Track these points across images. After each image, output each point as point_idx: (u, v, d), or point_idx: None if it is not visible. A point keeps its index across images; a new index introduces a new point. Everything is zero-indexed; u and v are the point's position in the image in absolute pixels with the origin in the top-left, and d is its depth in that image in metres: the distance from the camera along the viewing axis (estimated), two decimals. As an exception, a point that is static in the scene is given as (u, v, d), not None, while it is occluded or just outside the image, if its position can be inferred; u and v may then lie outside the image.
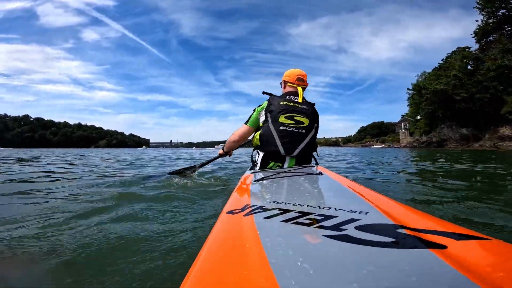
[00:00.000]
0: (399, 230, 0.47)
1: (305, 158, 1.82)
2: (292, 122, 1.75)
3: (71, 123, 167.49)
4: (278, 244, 0.46)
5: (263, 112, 1.88)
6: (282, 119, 1.75)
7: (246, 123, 2.09)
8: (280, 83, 2.10)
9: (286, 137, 1.73)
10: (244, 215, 0.66)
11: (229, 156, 2.72)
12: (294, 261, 0.39)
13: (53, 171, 4.82)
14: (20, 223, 1.54)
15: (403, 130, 50.67)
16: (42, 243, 1.25)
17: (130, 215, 1.68)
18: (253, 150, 2.03)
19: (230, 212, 0.72)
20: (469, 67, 32.79)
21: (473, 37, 35.83)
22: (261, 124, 1.92)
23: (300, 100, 1.83)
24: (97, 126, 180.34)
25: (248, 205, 0.76)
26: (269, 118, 1.79)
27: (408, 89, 44.08)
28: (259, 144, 1.86)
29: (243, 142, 2.35)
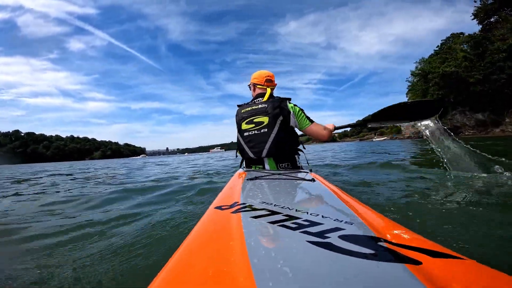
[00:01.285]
0: (380, 243, 0.48)
1: (283, 156, 1.78)
2: (252, 125, 1.79)
3: (64, 136, 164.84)
4: (262, 244, 0.47)
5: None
6: (243, 126, 1.83)
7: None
8: (249, 85, 2.12)
9: (251, 142, 1.78)
10: (232, 212, 0.67)
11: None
12: (275, 263, 0.40)
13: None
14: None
15: None
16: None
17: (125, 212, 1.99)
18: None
19: (219, 208, 0.73)
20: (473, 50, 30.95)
21: (472, 19, 34.01)
22: None
23: (265, 99, 1.86)
24: (91, 137, 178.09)
25: (237, 202, 0.78)
26: (236, 128, 1.92)
27: (410, 75, 40.91)
28: (239, 153, 1.96)
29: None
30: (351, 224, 0.58)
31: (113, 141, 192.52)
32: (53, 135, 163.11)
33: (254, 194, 0.95)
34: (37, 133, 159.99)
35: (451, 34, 36.25)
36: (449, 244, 1.16)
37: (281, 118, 1.74)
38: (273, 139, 1.72)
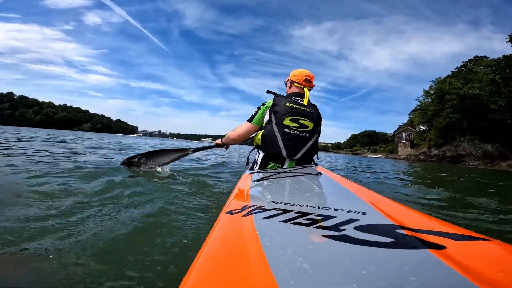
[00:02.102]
0: (398, 231, 0.47)
1: (305, 161, 1.81)
2: (297, 125, 1.75)
3: (60, 103, 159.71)
4: (278, 244, 0.46)
5: (268, 112, 1.86)
6: (287, 121, 1.75)
7: (250, 121, 2.01)
8: (285, 82, 2.07)
9: (290, 140, 1.73)
10: (243, 216, 0.67)
11: (226, 149, 2.60)
12: (294, 261, 0.39)
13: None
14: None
15: (403, 141, 45.54)
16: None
17: (128, 213, 1.62)
18: (253, 149, 2.04)
19: (230, 213, 0.73)
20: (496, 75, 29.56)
21: (507, 42, 31.95)
22: (264, 124, 1.91)
23: (305, 102, 1.82)
24: (85, 109, 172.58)
25: (247, 205, 0.77)
26: (273, 119, 1.78)
27: (423, 94, 38.56)
28: (260, 144, 1.86)
29: (243, 140, 2.28)
30: (365, 214, 0.57)
31: (106, 115, 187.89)
32: (46, 101, 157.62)
33: (263, 195, 0.96)
34: (30, 97, 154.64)
35: (474, 56, 34.63)
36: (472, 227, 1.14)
37: (319, 128, 1.84)
38: (310, 145, 1.77)
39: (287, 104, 1.76)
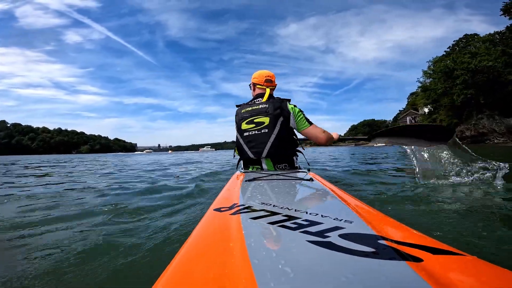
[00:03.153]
0: (380, 241, 0.48)
1: (282, 158, 1.77)
2: (253, 125, 1.77)
3: (55, 128, 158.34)
4: (262, 245, 0.47)
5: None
6: (243, 126, 1.81)
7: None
8: (249, 85, 2.11)
9: (251, 142, 1.76)
10: (231, 214, 0.68)
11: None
12: (276, 263, 0.40)
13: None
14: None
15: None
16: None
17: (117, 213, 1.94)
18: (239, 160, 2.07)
19: (218, 210, 0.74)
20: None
21: (500, 15, 30.77)
22: None
23: (264, 99, 1.84)
24: (81, 131, 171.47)
25: (236, 204, 0.78)
26: (236, 128, 1.90)
27: (424, 73, 36.51)
28: (237, 153, 1.97)
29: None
30: (351, 222, 0.58)
31: (103, 135, 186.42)
32: (40, 126, 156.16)
33: (253, 195, 0.95)
34: (23, 124, 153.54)
35: (464, 35, 33.46)
36: (449, 241, 1.19)
37: (281, 119, 1.73)
38: (273, 139, 1.71)
39: (243, 111, 1.84)
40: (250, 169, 1.82)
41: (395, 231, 0.56)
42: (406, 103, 56.14)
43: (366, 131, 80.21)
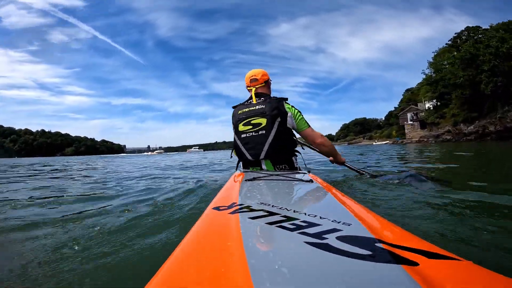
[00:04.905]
0: (377, 244, 0.48)
1: (280, 158, 1.76)
2: (250, 127, 1.76)
3: (34, 130, 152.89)
4: (260, 245, 0.48)
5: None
6: (241, 127, 1.80)
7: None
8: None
9: (249, 143, 1.75)
10: (229, 213, 0.68)
11: None
12: (273, 264, 0.40)
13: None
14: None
15: (410, 122, 38.36)
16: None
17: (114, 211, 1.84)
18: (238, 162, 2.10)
19: (216, 208, 0.74)
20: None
21: None
22: None
23: (254, 101, 1.82)
24: (66, 132, 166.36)
25: (235, 203, 0.78)
26: (233, 130, 1.90)
27: (430, 64, 32.57)
28: (235, 155, 1.96)
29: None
30: (349, 225, 0.58)
31: (89, 137, 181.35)
32: (22, 128, 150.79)
33: (252, 195, 0.95)
34: (5, 126, 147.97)
35: (466, 27, 31.32)
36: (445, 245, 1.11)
37: (279, 119, 1.72)
38: (271, 140, 1.70)
39: (239, 112, 1.85)
40: (251, 169, 1.80)
41: (392, 234, 0.56)
42: (400, 100, 53.83)
43: (357, 130, 79.24)
